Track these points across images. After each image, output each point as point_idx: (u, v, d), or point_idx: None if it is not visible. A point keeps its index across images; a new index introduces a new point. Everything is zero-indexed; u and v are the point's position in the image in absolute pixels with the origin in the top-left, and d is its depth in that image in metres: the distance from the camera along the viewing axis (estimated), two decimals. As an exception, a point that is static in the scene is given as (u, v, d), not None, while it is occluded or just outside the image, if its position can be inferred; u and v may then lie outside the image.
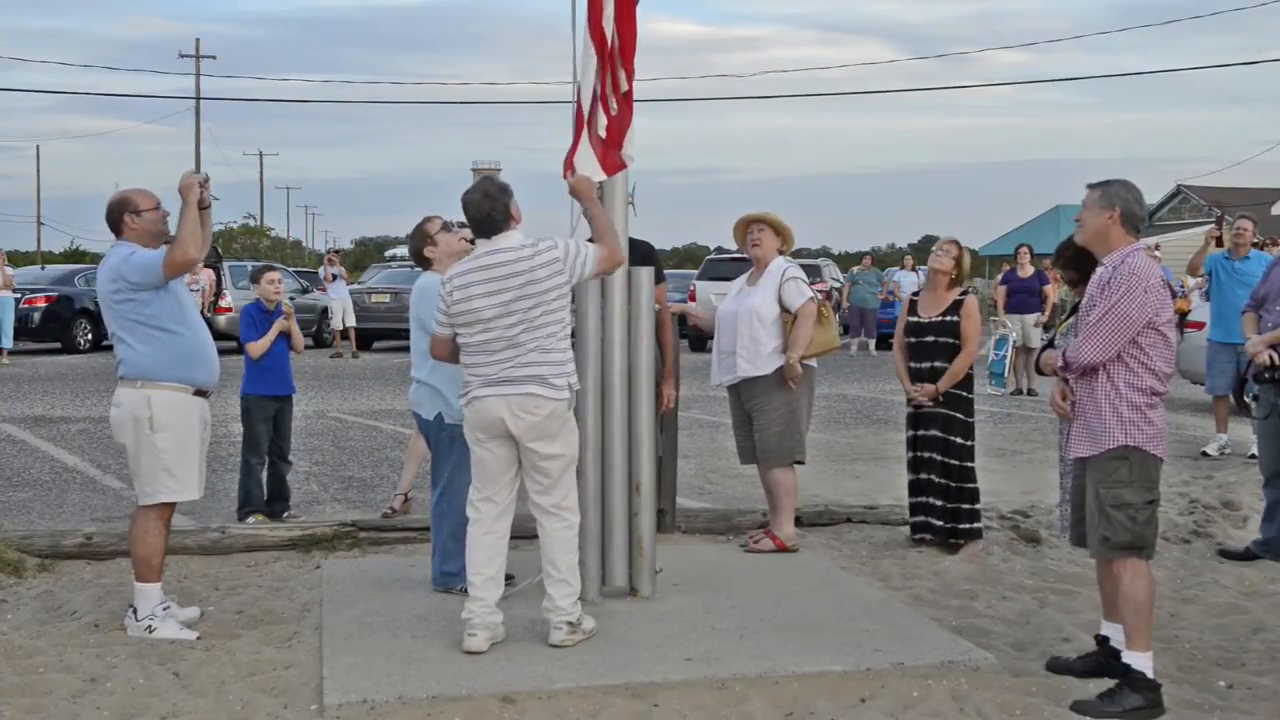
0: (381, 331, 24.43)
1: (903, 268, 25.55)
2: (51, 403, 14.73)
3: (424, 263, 6.17)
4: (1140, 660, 4.61)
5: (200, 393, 5.51)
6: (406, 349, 6.88)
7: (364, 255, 79.39)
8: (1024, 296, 16.58)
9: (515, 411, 4.99)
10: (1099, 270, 4.79)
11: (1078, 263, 5.41)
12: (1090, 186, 4.86)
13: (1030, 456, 10.71)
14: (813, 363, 7.00)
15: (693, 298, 22.32)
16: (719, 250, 32.73)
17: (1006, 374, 16.19)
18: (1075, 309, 5.32)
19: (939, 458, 6.99)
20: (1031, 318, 16.40)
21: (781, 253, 7.08)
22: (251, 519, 7.54)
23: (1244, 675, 5.01)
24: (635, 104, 5.79)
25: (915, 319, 7.18)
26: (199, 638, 5.38)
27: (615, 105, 5.67)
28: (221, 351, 5.88)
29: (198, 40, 60.12)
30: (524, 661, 4.95)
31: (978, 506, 7.03)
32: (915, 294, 7.55)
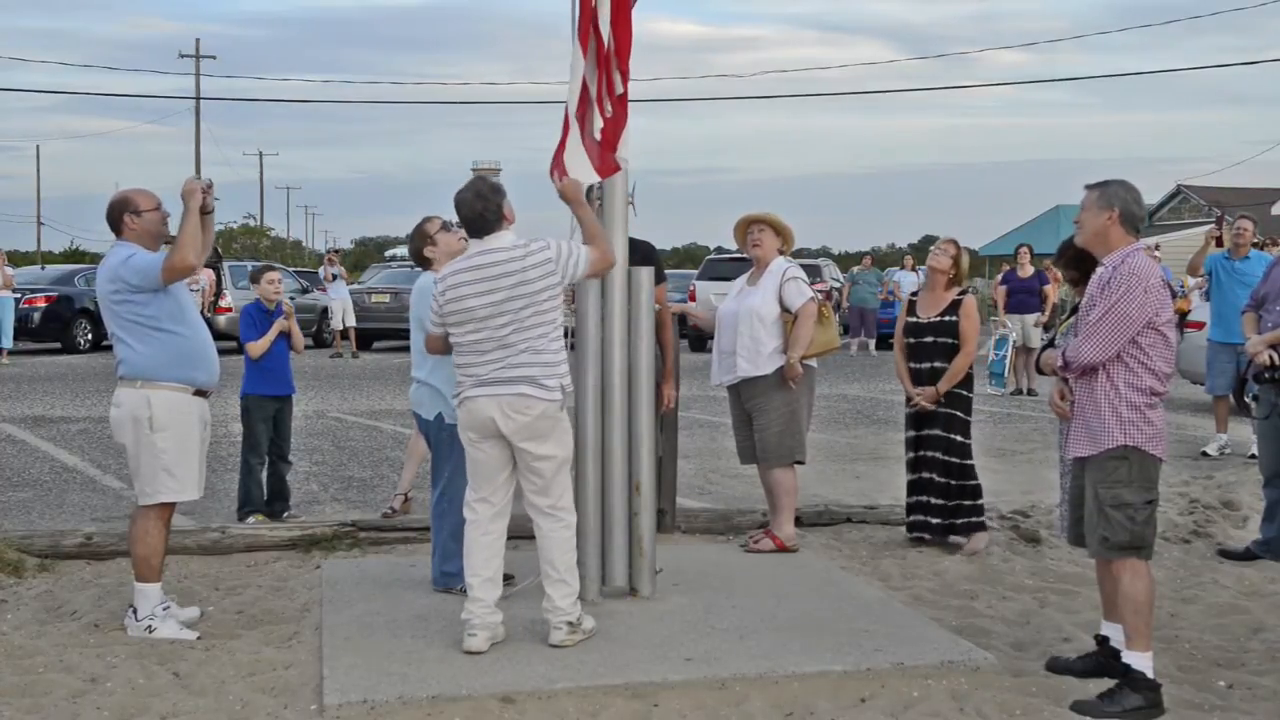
0: (381, 331, 24.43)
1: (903, 268, 25.55)
2: (51, 403, 14.73)
3: (424, 263, 6.18)
4: (1140, 660, 4.61)
5: (200, 393, 5.51)
6: (406, 349, 6.88)
7: (364, 255, 79.42)
8: (1024, 296, 16.58)
9: (506, 412, 4.99)
10: (1099, 270, 4.79)
11: (1079, 262, 5.41)
12: (1088, 187, 4.86)
13: (1030, 456, 10.71)
14: (813, 363, 7.01)
15: (693, 298, 22.32)
16: (719, 250, 32.74)
17: (1006, 374, 16.19)
18: (1075, 309, 5.32)
19: (941, 457, 7.00)
20: (1031, 318, 16.40)
21: (782, 253, 7.09)
22: (251, 519, 7.54)
23: (1244, 675, 5.01)
24: (635, 104, 5.80)
25: (914, 319, 7.18)
26: (199, 638, 5.39)
27: (610, 107, 5.66)
28: (221, 351, 5.88)
29: (198, 40, 60.22)
30: (524, 661, 4.95)
31: (980, 501, 7.05)
32: (914, 294, 7.55)
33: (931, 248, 7.42)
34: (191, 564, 6.66)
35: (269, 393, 7.82)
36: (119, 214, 5.47)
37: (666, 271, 7.19)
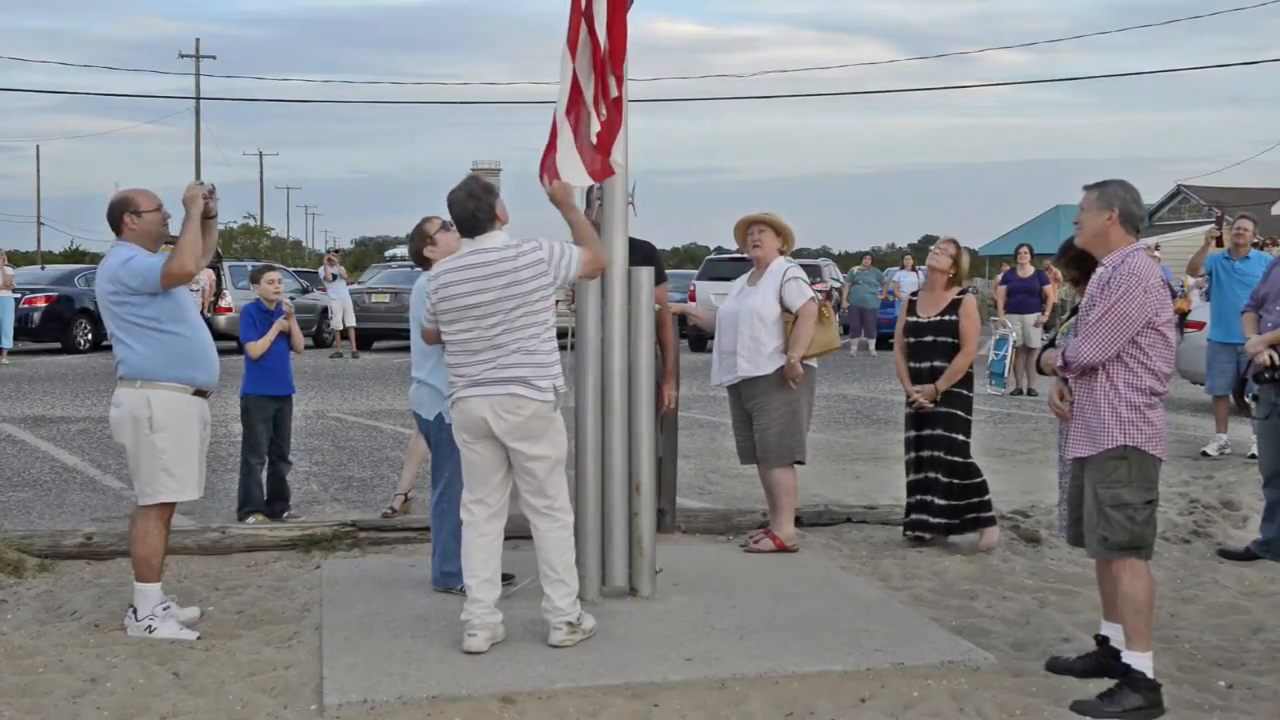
0: (381, 331, 24.42)
1: (903, 268, 25.54)
2: (51, 403, 14.73)
3: (424, 263, 6.17)
4: (1140, 660, 4.61)
5: (200, 393, 5.51)
6: (406, 349, 6.88)
7: (364, 255, 79.42)
8: (1024, 296, 16.59)
9: (498, 412, 4.99)
10: (1099, 270, 4.79)
11: (1079, 262, 5.41)
12: (1087, 188, 4.86)
13: (1030, 456, 10.71)
14: (813, 363, 7.01)
15: (693, 298, 22.32)
16: (719, 250, 32.75)
17: (1006, 374, 16.19)
18: (1076, 309, 5.33)
19: (944, 456, 7.00)
20: (1031, 318, 16.41)
21: (782, 253, 7.09)
22: (251, 519, 7.54)
23: (1244, 675, 5.01)
24: (635, 104, 5.80)
25: (914, 319, 7.19)
26: (199, 638, 5.39)
27: (605, 110, 5.66)
28: (221, 351, 5.88)
29: (198, 40, 60.25)
30: (524, 661, 4.95)
31: (988, 497, 7.05)
32: (914, 294, 7.56)
33: (931, 247, 7.43)
34: (191, 564, 6.66)
35: (269, 393, 7.82)
36: (119, 214, 5.48)
37: (667, 271, 7.19)
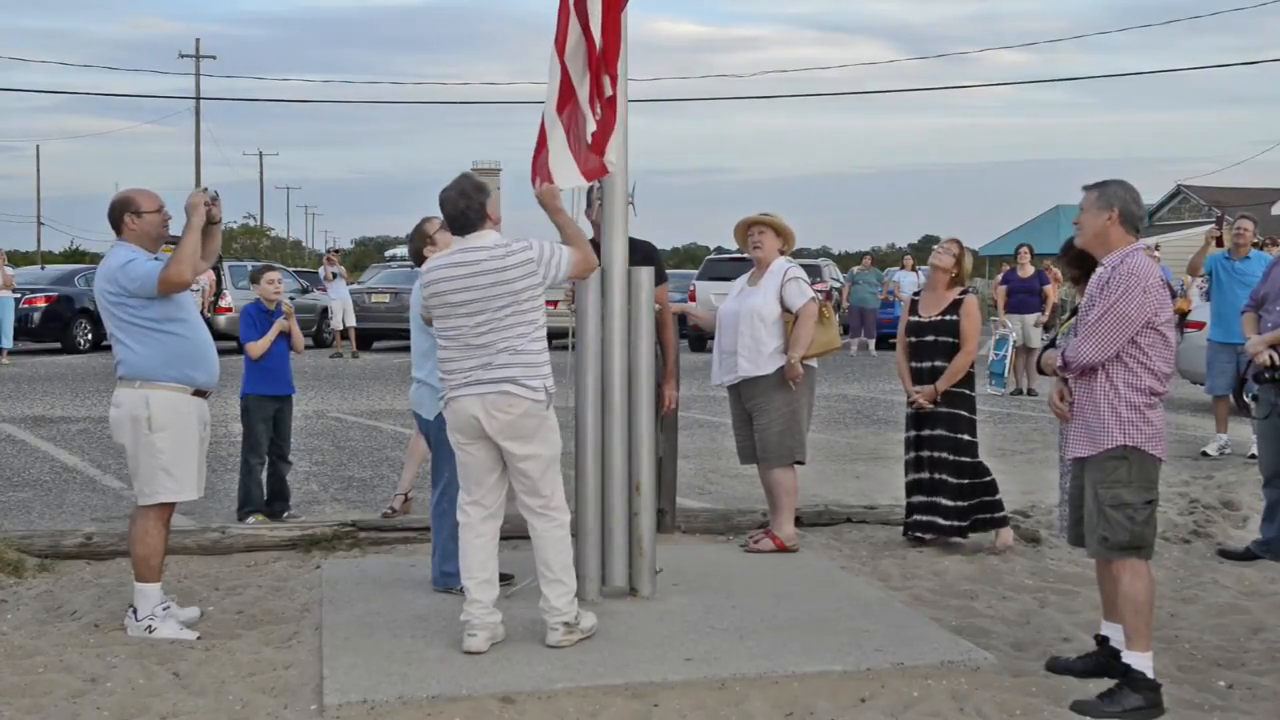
0: (381, 331, 24.43)
1: (903, 268, 25.54)
2: (51, 403, 14.73)
3: (423, 263, 6.16)
4: (1140, 660, 4.61)
5: (199, 393, 5.51)
6: (406, 349, 6.89)
7: (364, 255, 79.44)
8: (1024, 296, 16.59)
9: (490, 410, 4.99)
10: (1098, 270, 4.79)
11: (1080, 261, 5.40)
12: (1086, 188, 4.86)
13: (1030, 456, 10.71)
14: (813, 363, 7.01)
15: (693, 298, 22.33)
16: (719, 250, 32.77)
17: (1006, 374, 16.19)
18: (1076, 309, 5.32)
19: (950, 457, 6.99)
20: (1031, 318, 16.41)
21: (783, 253, 7.09)
22: (251, 519, 7.54)
23: (1244, 675, 5.01)
24: (635, 104, 5.81)
25: (916, 318, 7.19)
26: (199, 638, 5.39)
27: (600, 110, 5.66)
28: (221, 351, 5.88)
29: (198, 40, 60.30)
30: (524, 661, 4.95)
31: (999, 496, 7.05)
32: (916, 294, 7.55)
33: (935, 247, 7.43)
34: (191, 564, 6.66)
35: (269, 393, 7.82)
36: (120, 213, 5.48)
37: (667, 272, 7.19)
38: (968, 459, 7.00)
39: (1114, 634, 4.86)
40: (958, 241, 7.27)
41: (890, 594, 6.10)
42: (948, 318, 7.08)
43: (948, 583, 6.39)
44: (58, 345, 22.91)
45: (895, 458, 10.05)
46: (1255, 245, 11.07)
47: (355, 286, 25.95)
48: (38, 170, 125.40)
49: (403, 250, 35.02)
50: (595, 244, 6.14)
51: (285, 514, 7.78)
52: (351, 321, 22.99)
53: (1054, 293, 16.82)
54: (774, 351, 6.84)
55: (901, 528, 7.27)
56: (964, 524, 6.99)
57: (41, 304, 22.75)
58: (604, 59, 5.63)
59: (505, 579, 5.60)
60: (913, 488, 7.15)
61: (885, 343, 23.97)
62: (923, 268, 25.52)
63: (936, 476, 7.03)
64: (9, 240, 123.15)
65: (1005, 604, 6.03)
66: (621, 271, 5.88)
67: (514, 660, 4.96)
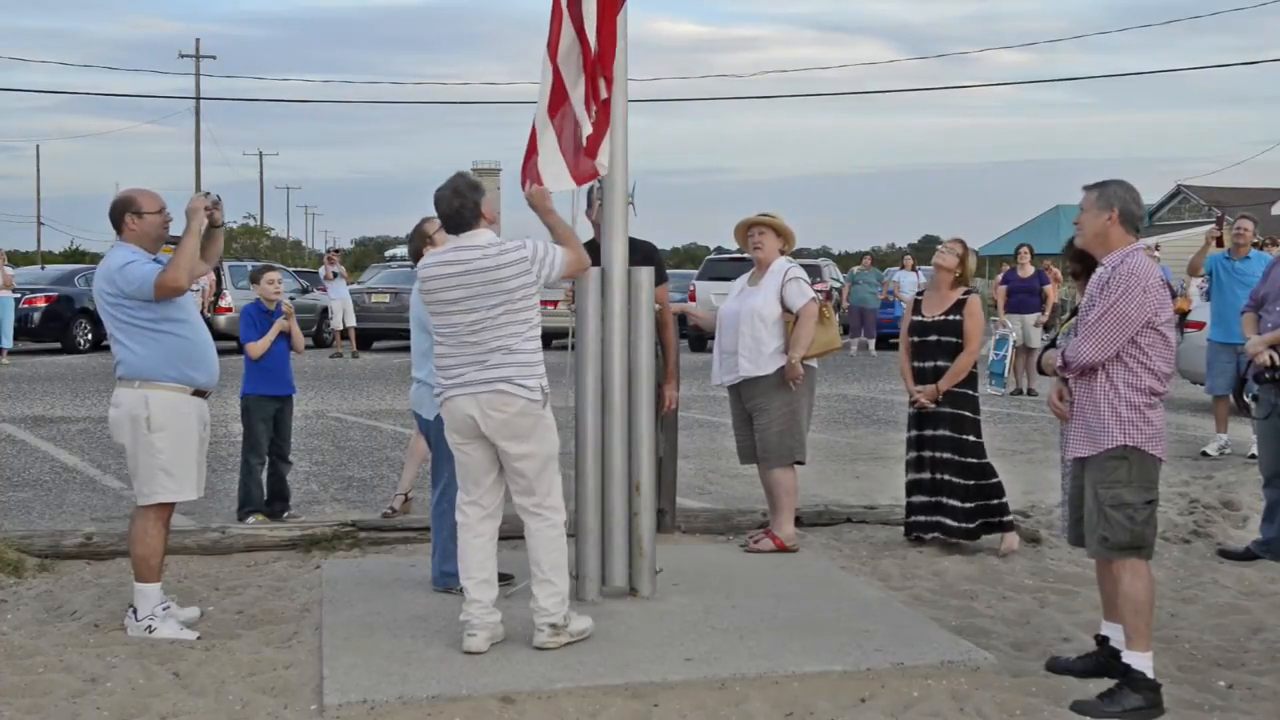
0: (381, 331, 24.43)
1: (903, 268, 25.53)
2: (51, 403, 14.73)
3: (423, 263, 6.17)
4: (1140, 660, 4.61)
5: (199, 393, 5.51)
6: (406, 349, 6.88)
7: (364, 255, 79.48)
8: (1024, 296, 16.59)
9: (485, 410, 4.99)
10: (1098, 270, 4.79)
11: (1083, 255, 5.39)
12: (1087, 188, 4.86)
13: (1030, 456, 10.71)
14: (814, 363, 7.01)
15: (693, 298, 22.33)
16: (719, 250, 32.78)
17: (1006, 374, 16.19)
18: (1076, 309, 5.32)
19: (954, 458, 6.98)
20: (1031, 318, 16.41)
21: (783, 253, 7.09)
22: (251, 519, 7.54)
23: (1244, 675, 5.00)
24: (635, 104, 5.81)
25: (919, 318, 7.19)
26: (199, 638, 5.38)
27: (595, 113, 5.65)
28: (221, 351, 5.88)
29: (198, 40, 60.23)
30: (524, 661, 4.94)
31: (1005, 500, 7.04)
32: (920, 294, 7.55)
33: (939, 246, 7.42)
34: (191, 564, 6.66)
35: (269, 393, 7.82)
36: (121, 213, 5.48)
37: (667, 272, 7.19)
38: (973, 460, 6.99)
39: (1114, 634, 4.85)
40: (961, 241, 7.27)
41: (890, 594, 6.10)
42: (951, 317, 7.08)
43: (948, 583, 6.39)
44: (58, 345, 22.91)
45: (895, 458, 10.05)
46: (1255, 245, 11.07)
47: (355, 286, 25.95)
48: (38, 170, 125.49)
49: (403, 250, 35.04)
50: (595, 244, 6.15)
51: (285, 514, 7.78)
52: (351, 321, 22.99)
53: (1054, 293, 16.82)
54: (774, 351, 6.84)
55: (902, 528, 7.26)
56: (972, 526, 6.97)
57: (41, 304, 22.74)
58: (600, 62, 5.62)
59: (505, 579, 5.59)
60: (913, 487, 7.15)
61: (885, 343, 23.99)
62: (923, 268, 25.59)
63: (940, 477, 7.02)
64: (9, 240, 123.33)
65: (1005, 604, 6.03)
66: (621, 271, 5.88)
67: (514, 660, 4.96)
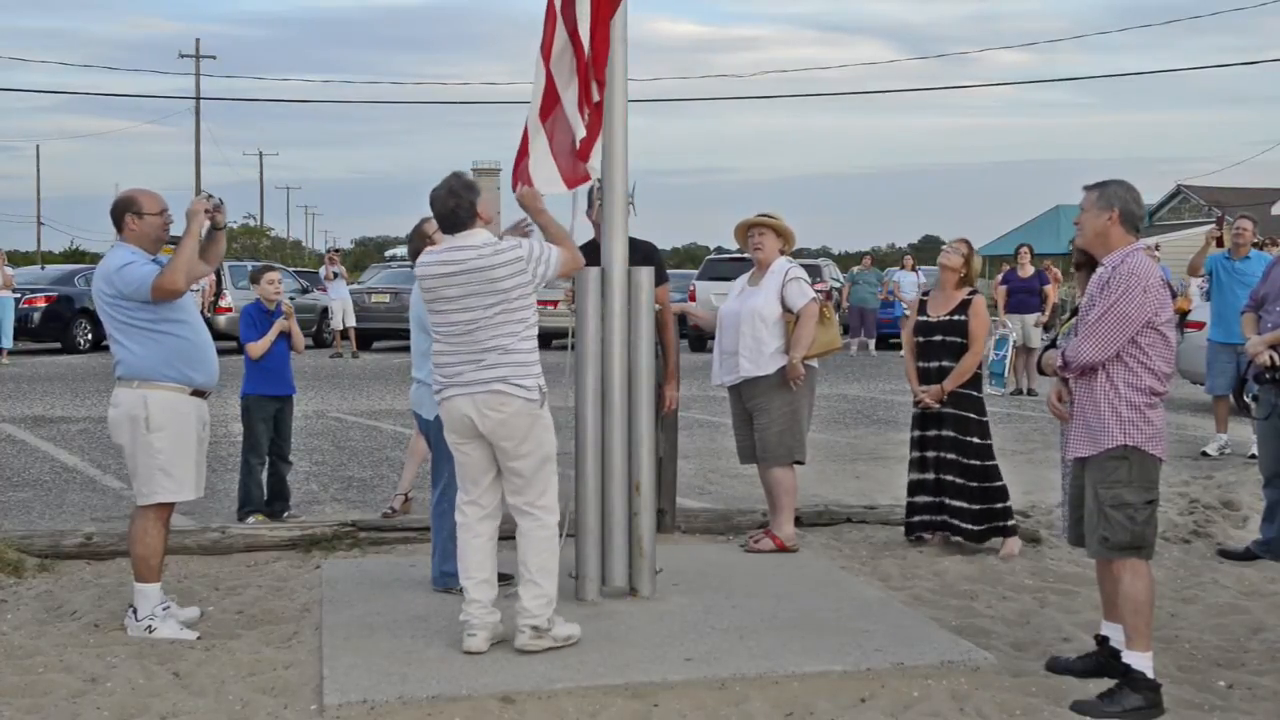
0: (381, 331, 24.43)
1: (903, 268, 25.51)
2: (51, 403, 14.73)
3: (423, 263, 6.17)
4: (1140, 660, 4.61)
5: (198, 393, 5.51)
6: (406, 349, 6.88)
7: (364, 255, 79.50)
8: (1024, 296, 16.60)
9: (482, 410, 4.99)
10: (1099, 270, 4.79)
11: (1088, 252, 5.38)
12: (1087, 188, 4.86)
13: (1030, 456, 10.72)
14: (814, 363, 7.01)
15: (693, 298, 22.32)
16: (719, 250, 32.76)
17: (1006, 374, 16.17)
18: (1076, 309, 5.32)
19: (958, 459, 6.98)
20: (1031, 318, 16.43)
21: (783, 253, 7.09)
22: (251, 519, 7.54)
23: (1244, 675, 5.00)
24: (635, 104, 5.81)
25: (924, 318, 7.19)
26: (199, 638, 5.38)
27: (588, 116, 5.65)
28: (221, 351, 5.88)
29: (198, 40, 60.24)
30: (524, 661, 4.94)
31: (1009, 504, 7.03)
32: (925, 294, 7.55)
33: (944, 246, 7.42)
34: (191, 564, 6.66)
35: (269, 393, 7.82)
36: (122, 212, 5.48)
37: (667, 272, 7.19)
38: (977, 462, 6.98)
39: (1114, 634, 4.85)
40: (966, 241, 7.27)
41: (890, 594, 6.10)
42: (956, 318, 7.07)
43: (948, 583, 6.39)
44: (58, 345, 22.91)
45: (895, 458, 10.06)
46: (1255, 245, 11.07)
47: (355, 286, 25.95)
48: (38, 170, 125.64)
49: (403, 250, 35.03)
50: (595, 244, 6.15)
51: (285, 514, 7.78)
52: (351, 321, 22.99)
53: (1054, 293, 16.83)
54: (775, 351, 6.84)
55: (903, 528, 7.26)
56: (978, 529, 6.96)
57: (41, 304, 22.74)
58: (593, 64, 5.62)
59: (504, 579, 5.59)
60: (916, 487, 7.14)
61: (885, 343, 23.99)
62: (923, 268, 25.60)
63: (944, 478, 7.01)
64: (9, 240, 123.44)
65: (1005, 604, 6.03)
66: (621, 271, 5.88)
67: (514, 660, 4.96)
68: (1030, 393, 15.87)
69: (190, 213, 5.46)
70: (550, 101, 5.71)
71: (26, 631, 5.48)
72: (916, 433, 7.16)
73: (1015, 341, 16.16)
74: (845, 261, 39.81)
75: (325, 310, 24.31)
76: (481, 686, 4.68)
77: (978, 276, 7.30)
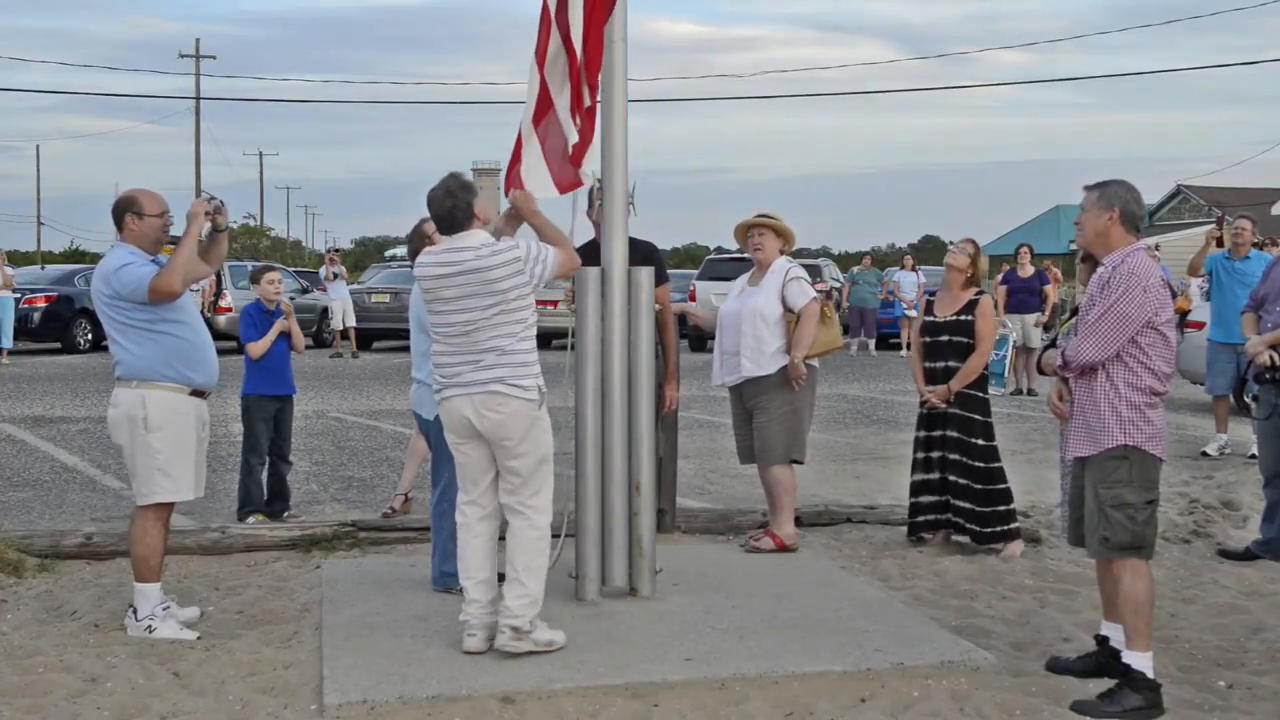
0: (381, 331, 24.44)
1: (903, 268, 25.51)
2: (51, 403, 14.73)
3: (423, 263, 6.17)
4: (1140, 660, 4.61)
5: (197, 393, 5.51)
6: (406, 349, 6.88)
7: (364, 255, 79.51)
8: (1024, 296, 16.60)
9: (480, 410, 4.99)
10: (1099, 270, 4.80)
11: None
12: (1088, 189, 4.87)
13: (1030, 456, 10.71)
14: (815, 362, 7.01)
15: (693, 298, 22.32)
16: (719, 250, 32.75)
17: (1006, 374, 16.18)
18: (1076, 309, 5.32)
19: (963, 460, 6.97)
20: (1031, 318, 16.43)
21: (783, 253, 7.09)
22: (251, 519, 7.54)
23: (1244, 675, 5.00)
24: (635, 104, 5.81)
25: (931, 318, 7.19)
26: (199, 638, 5.38)
27: (580, 121, 5.64)
28: (221, 352, 5.88)
29: (198, 40, 60.22)
30: (524, 661, 4.94)
31: (1012, 506, 7.02)
32: (932, 294, 7.55)
33: (950, 247, 7.42)
34: (191, 564, 6.66)
35: (269, 393, 7.82)
36: (123, 212, 5.48)
37: (667, 271, 7.19)
38: (981, 464, 6.97)
39: (1114, 634, 4.85)
40: (973, 241, 7.27)
41: (890, 594, 6.10)
42: (963, 318, 7.07)
43: (948, 583, 6.39)
44: (58, 345, 22.91)
45: (895, 458, 10.07)
46: (1255, 245, 11.06)
47: (355, 286, 25.96)
48: (38, 170, 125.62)
49: (403, 250, 35.02)
50: (595, 244, 6.15)
51: (285, 514, 7.78)
52: (351, 321, 22.99)
53: (1054, 293, 16.82)
54: (777, 351, 6.84)
55: (906, 528, 7.25)
56: (985, 530, 6.95)
57: (41, 304, 22.75)
58: (585, 69, 5.62)
59: (502, 579, 5.58)
60: (920, 488, 7.13)
61: (885, 343, 24.00)
62: (923, 268, 25.59)
63: (949, 478, 7.01)
64: (9, 240, 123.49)
65: (1005, 604, 6.03)
66: (621, 271, 5.88)
67: (514, 660, 4.95)
68: (1030, 393, 15.87)
69: (190, 215, 5.46)
70: (544, 107, 5.71)
71: (26, 631, 5.48)
72: (922, 433, 7.16)
73: (1015, 341, 16.18)
74: (845, 261, 39.81)
75: (325, 310, 24.32)
76: (481, 686, 4.68)
77: (984, 277, 7.30)
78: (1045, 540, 7.20)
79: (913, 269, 24.68)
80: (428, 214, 6.14)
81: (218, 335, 8.36)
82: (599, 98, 5.77)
